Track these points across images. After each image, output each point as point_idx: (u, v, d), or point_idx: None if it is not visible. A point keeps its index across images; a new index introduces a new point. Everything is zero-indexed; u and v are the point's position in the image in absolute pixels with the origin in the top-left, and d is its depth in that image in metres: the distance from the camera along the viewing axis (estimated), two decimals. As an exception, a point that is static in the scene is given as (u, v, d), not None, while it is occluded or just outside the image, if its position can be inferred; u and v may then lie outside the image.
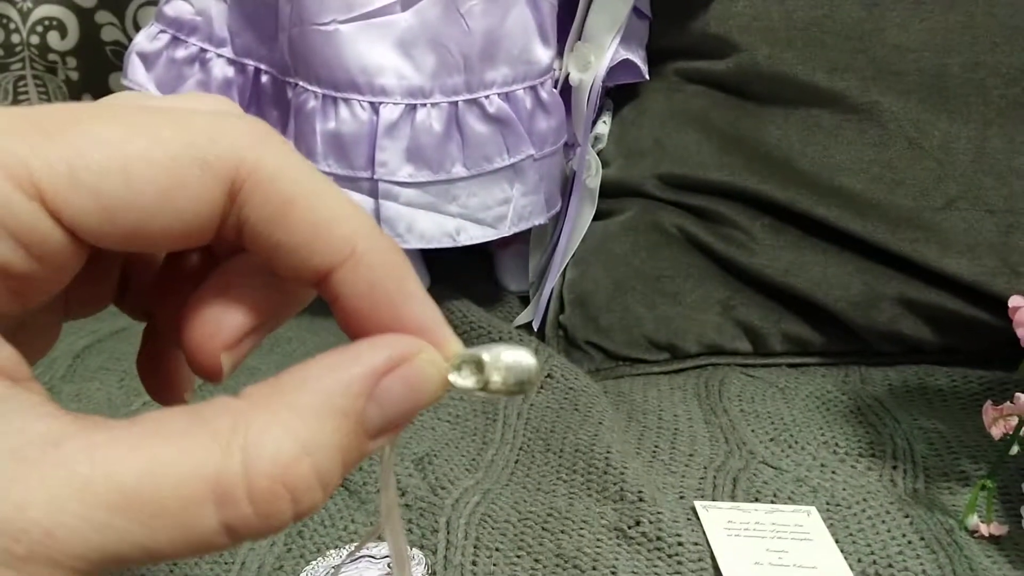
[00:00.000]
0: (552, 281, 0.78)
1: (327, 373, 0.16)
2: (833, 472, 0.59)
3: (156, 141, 0.15)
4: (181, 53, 0.75)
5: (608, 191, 0.78)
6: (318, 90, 0.70)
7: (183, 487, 0.14)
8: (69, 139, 0.15)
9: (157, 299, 0.21)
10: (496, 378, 0.17)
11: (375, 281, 0.17)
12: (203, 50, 0.75)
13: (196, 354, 0.18)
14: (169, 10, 0.74)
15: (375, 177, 0.70)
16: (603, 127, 0.80)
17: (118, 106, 0.16)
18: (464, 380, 0.18)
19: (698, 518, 0.53)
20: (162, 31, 0.74)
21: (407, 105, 0.70)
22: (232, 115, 0.17)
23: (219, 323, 0.18)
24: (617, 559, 0.49)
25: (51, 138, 0.15)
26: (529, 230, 0.79)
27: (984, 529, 0.52)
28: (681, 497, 0.56)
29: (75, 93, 0.94)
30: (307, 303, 0.19)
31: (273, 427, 0.15)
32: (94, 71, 0.92)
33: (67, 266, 0.16)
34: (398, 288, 0.17)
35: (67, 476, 0.14)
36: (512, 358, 0.17)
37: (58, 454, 0.14)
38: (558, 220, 0.81)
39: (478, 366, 0.17)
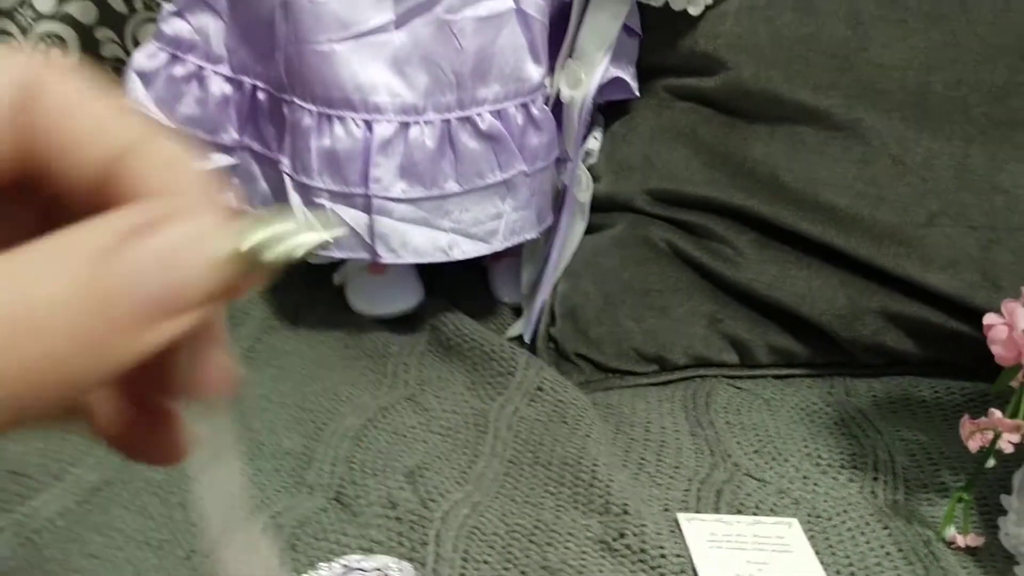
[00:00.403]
0: (544, 294, 0.79)
1: (67, 231, 0.15)
2: (815, 484, 0.60)
3: None
4: (179, 71, 0.76)
5: (598, 205, 0.79)
6: (313, 108, 0.71)
7: None
8: None
9: None
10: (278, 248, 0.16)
11: (150, 174, 0.16)
12: (200, 68, 0.76)
13: None
14: (167, 28, 0.75)
15: (369, 193, 0.71)
16: (594, 142, 0.81)
17: None
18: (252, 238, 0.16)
19: (681, 530, 0.55)
20: (160, 49, 0.76)
21: (400, 122, 0.71)
22: (10, 53, 0.17)
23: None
24: (601, 571, 0.51)
25: None
26: (521, 243, 0.80)
27: (961, 540, 0.54)
28: (665, 510, 0.58)
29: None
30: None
31: None
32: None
33: None
34: (175, 180, 0.16)
35: None
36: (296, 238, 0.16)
37: None
38: (550, 233, 0.82)
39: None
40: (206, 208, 0.16)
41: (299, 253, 0.16)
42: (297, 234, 0.16)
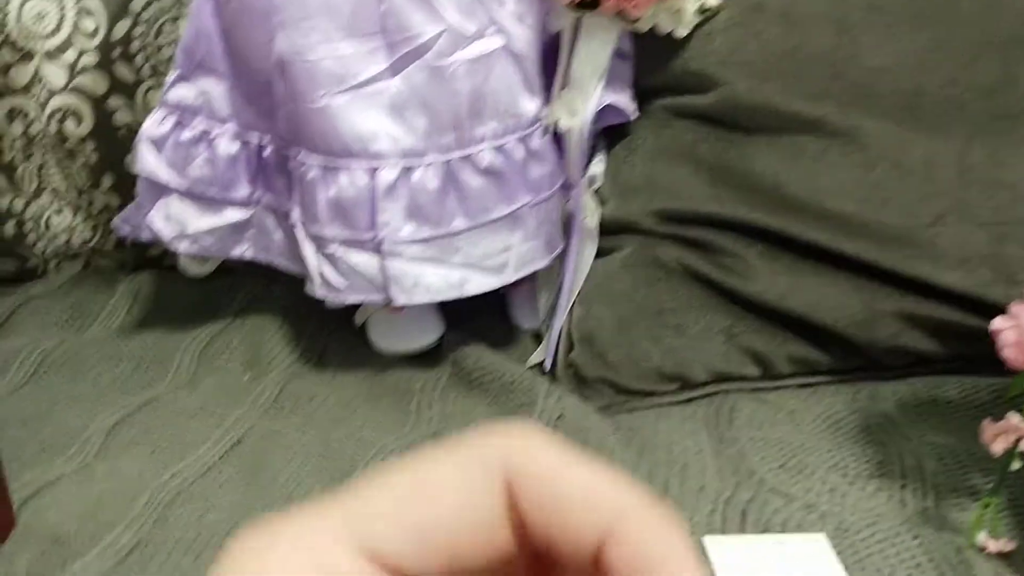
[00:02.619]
0: (559, 321, 0.80)
1: None
2: (843, 496, 0.60)
3: (450, 478, 0.17)
4: (187, 135, 0.78)
5: (606, 229, 0.79)
6: (317, 161, 0.73)
7: None
8: (384, 500, 0.17)
9: None
10: None
11: (636, 549, 0.17)
12: (207, 131, 0.78)
13: None
14: (172, 96, 0.78)
15: (378, 237, 0.73)
16: (599, 166, 0.82)
17: (399, 469, 0.18)
18: None
19: (706, 554, 0.55)
20: (167, 115, 0.78)
21: (403, 167, 0.72)
22: (498, 427, 0.18)
23: None
24: (627, 602, 0.51)
25: (370, 500, 0.17)
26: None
27: (992, 546, 0.53)
28: (691, 533, 0.57)
29: (95, 174, 0.98)
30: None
31: None
32: (111, 152, 0.97)
33: None
34: (660, 554, 0.17)
35: None
36: None
37: None
38: (563, 259, 0.83)
39: None
40: None
41: None
42: None
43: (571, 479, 0.17)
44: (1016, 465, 0.52)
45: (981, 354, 0.70)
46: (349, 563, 0.16)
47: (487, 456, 0.17)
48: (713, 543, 0.56)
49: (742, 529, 0.58)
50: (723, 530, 0.58)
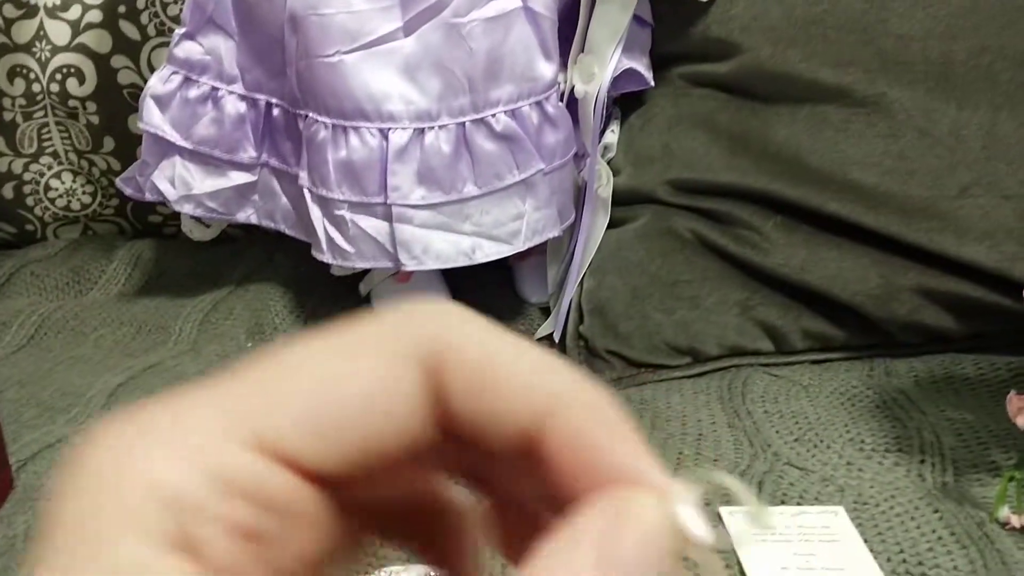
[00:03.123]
0: (570, 292, 0.78)
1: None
2: (860, 470, 0.59)
3: (358, 363, 0.15)
4: (194, 93, 0.76)
5: (620, 199, 0.78)
6: (328, 120, 0.71)
7: None
8: (281, 388, 0.15)
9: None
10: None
11: (576, 434, 0.15)
12: (215, 88, 0.77)
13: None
14: (179, 52, 0.76)
15: (388, 202, 0.71)
16: (612, 136, 0.80)
17: (301, 352, 0.16)
18: (699, 527, 0.16)
19: (723, 524, 0.54)
20: (174, 72, 0.76)
21: (415, 129, 0.71)
22: (417, 308, 0.16)
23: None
24: (644, 571, 0.50)
25: (266, 388, 0.15)
26: (546, 242, 0.80)
27: (1015, 520, 0.52)
28: (706, 504, 0.56)
29: (96, 136, 0.96)
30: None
31: None
32: (113, 114, 0.95)
33: (300, 512, 0.15)
34: (602, 437, 0.16)
35: None
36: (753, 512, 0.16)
37: None
38: (574, 230, 0.81)
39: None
40: (645, 479, 0.16)
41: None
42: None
43: (504, 363, 0.16)
44: (1042, 439, 0.51)
45: (1000, 332, 0.69)
46: (240, 460, 0.14)
47: (405, 338, 0.16)
48: (730, 514, 0.54)
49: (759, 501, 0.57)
50: (739, 502, 0.57)
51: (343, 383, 0.15)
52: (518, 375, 0.16)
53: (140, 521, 0.13)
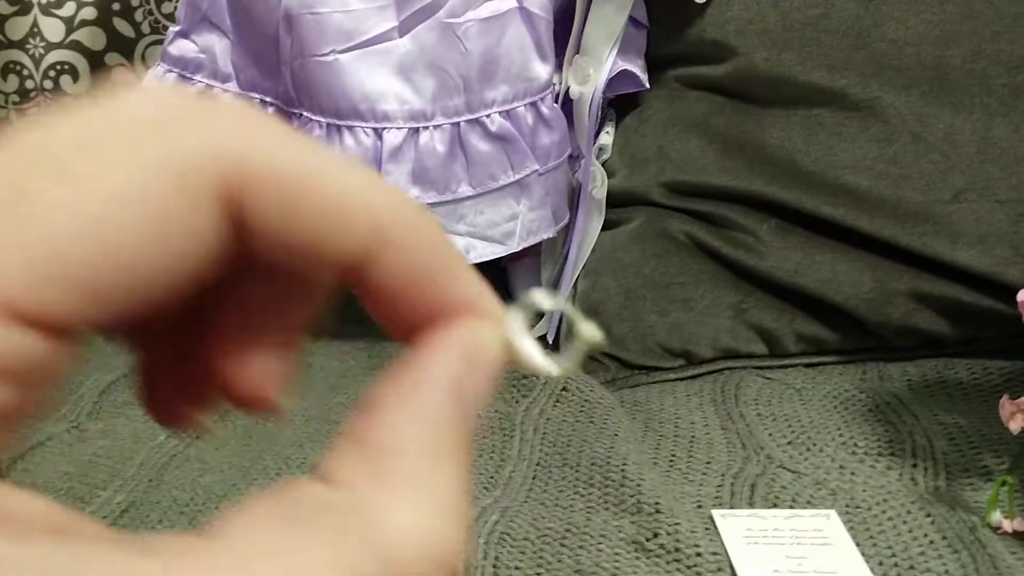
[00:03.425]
0: (564, 293, 0.78)
1: (416, 421, 0.14)
2: (852, 473, 0.59)
3: (122, 181, 0.12)
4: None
5: (614, 200, 0.78)
6: (322, 119, 0.71)
7: None
8: (14, 223, 0.12)
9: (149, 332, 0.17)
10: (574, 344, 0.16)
11: (410, 263, 0.14)
12: (209, 87, 0.76)
13: (250, 396, 0.16)
14: (174, 50, 0.76)
15: (382, 202, 0.71)
16: (607, 137, 0.80)
17: (64, 146, 0.13)
18: (531, 349, 0.16)
19: (716, 527, 0.54)
20: (168, 71, 0.76)
21: (410, 129, 0.71)
22: (208, 108, 0.14)
23: (265, 359, 0.15)
24: (636, 573, 0.50)
25: (12, 239, 0.12)
26: (540, 243, 0.79)
27: (1007, 525, 0.52)
28: (699, 506, 0.56)
29: (90, 133, 0.96)
30: (332, 292, 0.17)
31: (397, 511, 0.13)
32: (107, 111, 0.94)
33: (31, 368, 0.13)
34: (437, 266, 0.15)
35: None
36: (584, 330, 0.16)
37: None
38: (568, 231, 0.81)
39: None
40: (480, 306, 0.15)
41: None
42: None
43: (323, 183, 0.14)
44: (1034, 443, 0.51)
45: (993, 336, 0.69)
46: None
47: (189, 151, 0.13)
48: (722, 517, 0.54)
49: (751, 504, 0.56)
50: (731, 505, 0.57)
51: (107, 227, 0.12)
52: (340, 196, 0.14)
53: None
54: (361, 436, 0.14)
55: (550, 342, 0.79)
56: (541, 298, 0.16)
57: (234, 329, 0.15)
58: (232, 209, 0.13)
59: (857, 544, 0.52)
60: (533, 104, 0.73)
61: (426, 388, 0.15)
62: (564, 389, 0.70)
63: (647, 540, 0.52)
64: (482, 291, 0.16)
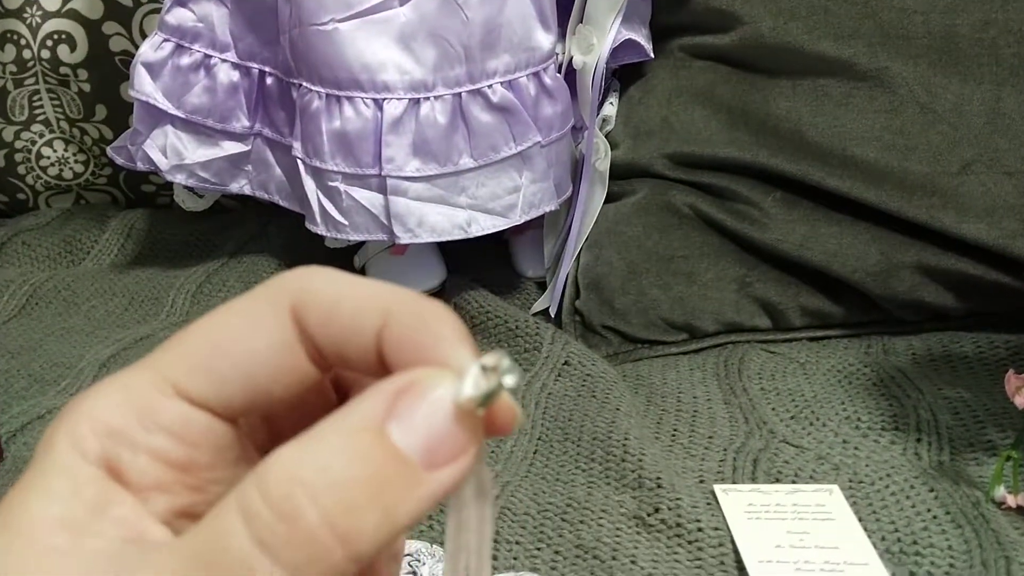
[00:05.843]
0: (566, 266, 0.78)
1: (341, 412, 0.17)
2: (856, 448, 0.58)
3: (240, 315, 0.19)
4: (186, 60, 0.75)
5: (618, 172, 0.77)
6: (321, 90, 0.70)
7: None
8: (188, 344, 0.19)
9: None
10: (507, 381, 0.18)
11: (406, 334, 0.18)
12: (207, 56, 0.75)
13: None
14: (171, 18, 0.74)
15: (383, 173, 0.70)
16: (610, 108, 0.79)
17: (213, 311, 0.19)
18: (473, 388, 0.17)
19: (718, 502, 0.53)
20: (166, 40, 0.75)
21: (410, 99, 0.69)
22: (287, 272, 0.20)
23: None
24: (637, 548, 0.50)
25: (179, 346, 0.19)
26: (543, 215, 0.79)
27: (1011, 500, 0.52)
28: (701, 481, 0.56)
29: (88, 104, 0.95)
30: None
31: (286, 450, 0.16)
32: (105, 81, 0.93)
33: (219, 445, 0.19)
34: (427, 335, 0.18)
35: None
36: (507, 363, 0.18)
37: None
38: (571, 204, 0.81)
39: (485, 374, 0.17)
40: (457, 357, 0.18)
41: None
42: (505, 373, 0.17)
43: (345, 288, 0.19)
44: (1040, 419, 0.51)
45: (999, 310, 0.69)
46: (162, 403, 0.18)
47: (271, 288, 0.19)
48: (724, 492, 0.54)
49: (753, 479, 0.56)
50: (734, 480, 0.56)
51: (225, 330, 0.18)
52: (357, 299, 0.18)
53: (77, 441, 0.18)
54: (259, 469, 0.17)
55: (552, 315, 0.79)
56: (498, 362, 0.17)
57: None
58: (297, 318, 0.19)
59: (860, 519, 0.52)
60: (536, 74, 0.72)
61: (360, 398, 0.17)
62: (566, 363, 0.70)
63: (648, 515, 0.52)
64: (461, 352, 0.18)
